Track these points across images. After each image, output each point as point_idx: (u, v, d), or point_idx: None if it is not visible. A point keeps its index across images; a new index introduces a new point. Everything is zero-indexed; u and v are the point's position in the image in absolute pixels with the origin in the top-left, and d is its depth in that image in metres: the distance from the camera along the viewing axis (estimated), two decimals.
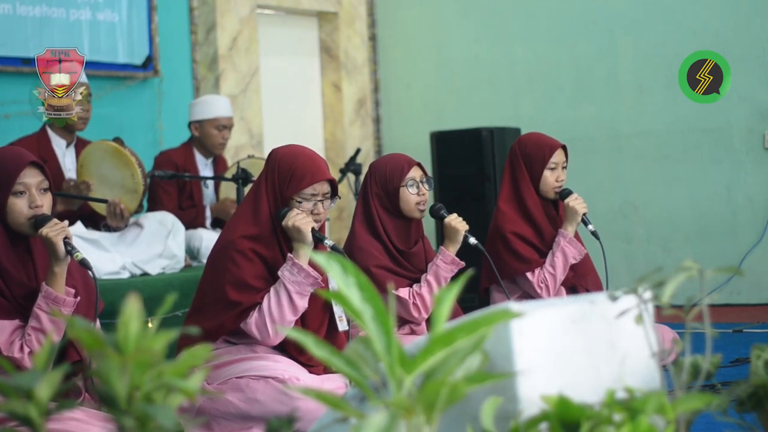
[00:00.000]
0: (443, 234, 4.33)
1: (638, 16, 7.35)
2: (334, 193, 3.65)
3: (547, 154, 4.63)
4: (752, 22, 6.97)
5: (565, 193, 4.63)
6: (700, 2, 7.12)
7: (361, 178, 6.72)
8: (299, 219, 3.52)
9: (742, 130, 6.99)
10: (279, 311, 3.49)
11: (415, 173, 4.22)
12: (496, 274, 4.44)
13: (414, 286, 4.21)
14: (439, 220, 4.35)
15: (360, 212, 4.26)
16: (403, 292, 4.16)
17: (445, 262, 4.22)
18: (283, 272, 3.50)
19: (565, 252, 4.55)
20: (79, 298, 3.20)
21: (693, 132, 7.15)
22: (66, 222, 3.20)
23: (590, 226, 4.62)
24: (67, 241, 3.15)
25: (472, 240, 4.30)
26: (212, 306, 3.54)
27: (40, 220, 3.17)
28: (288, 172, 3.58)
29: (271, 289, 3.52)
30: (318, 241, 3.60)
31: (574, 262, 4.58)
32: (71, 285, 3.20)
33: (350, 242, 4.18)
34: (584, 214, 4.60)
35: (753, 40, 6.94)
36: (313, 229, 3.54)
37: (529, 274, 4.57)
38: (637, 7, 7.36)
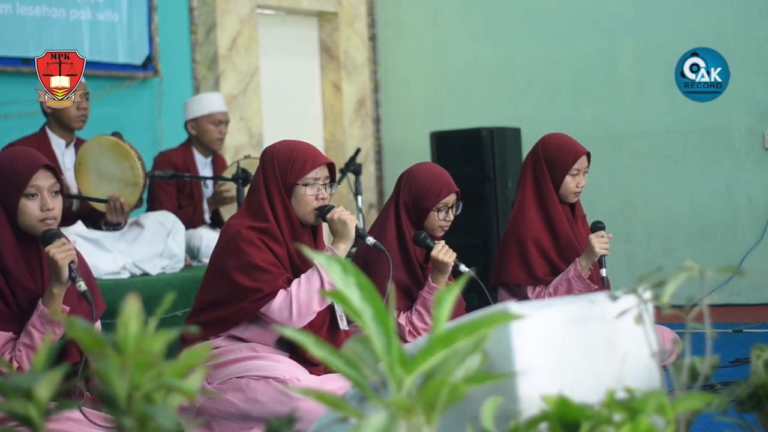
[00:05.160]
0: (431, 263, 4.10)
1: (638, 16, 7.35)
2: (333, 179, 3.69)
3: (571, 160, 4.58)
4: (752, 22, 6.97)
5: (595, 227, 4.53)
6: (700, 2, 7.11)
7: (361, 178, 6.72)
8: (346, 214, 3.59)
9: (742, 130, 6.99)
10: (308, 297, 3.49)
11: (449, 199, 4.14)
12: (483, 287, 4.34)
13: (407, 313, 4.13)
14: (426, 249, 4.12)
15: (392, 218, 4.16)
16: (401, 318, 4.13)
17: (432, 294, 4.08)
18: None
19: (571, 284, 4.46)
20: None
21: (693, 132, 7.15)
22: (73, 243, 3.17)
23: (603, 271, 4.47)
24: (72, 266, 3.11)
25: (463, 267, 4.09)
26: (226, 296, 3.53)
27: (48, 236, 3.13)
28: (288, 161, 3.61)
29: (303, 276, 3.54)
30: (360, 237, 3.68)
31: (577, 294, 4.46)
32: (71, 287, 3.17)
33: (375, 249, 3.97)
34: (602, 257, 4.46)
35: (753, 40, 6.94)
36: (356, 225, 3.60)
37: (529, 288, 4.55)
38: (637, 7, 7.36)
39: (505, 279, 4.57)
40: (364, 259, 4.08)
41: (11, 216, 3.16)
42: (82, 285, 3.11)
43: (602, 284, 4.49)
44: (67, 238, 3.28)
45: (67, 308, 3.15)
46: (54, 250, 3.09)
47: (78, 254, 3.35)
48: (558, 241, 4.56)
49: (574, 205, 4.69)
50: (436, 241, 4.09)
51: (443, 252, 4.05)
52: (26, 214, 3.15)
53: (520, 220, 4.60)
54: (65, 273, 3.09)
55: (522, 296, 4.57)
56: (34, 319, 3.09)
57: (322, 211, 3.62)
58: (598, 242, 4.46)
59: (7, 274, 3.13)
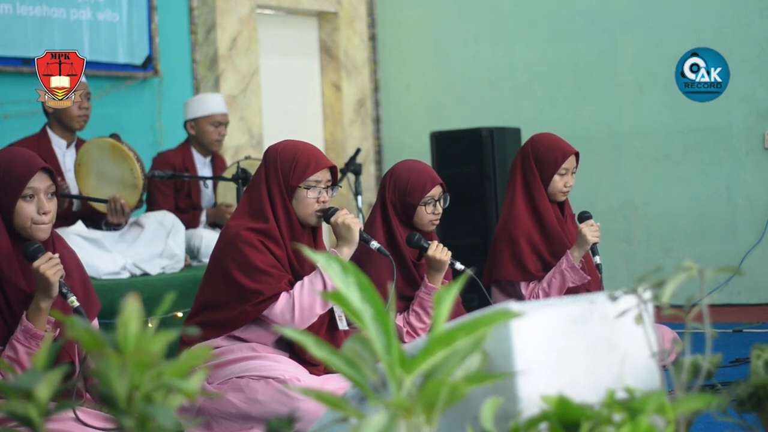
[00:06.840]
0: (427, 263, 4.10)
1: (638, 16, 7.35)
2: (334, 182, 3.69)
3: (560, 159, 4.60)
4: (752, 22, 6.97)
5: (583, 217, 4.58)
6: (700, 2, 7.11)
7: (361, 178, 6.71)
8: (350, 218, 3.59)
9: (742, 130, 6.99)
10: (310, 300, 3.48)
11: (435, 191, 4.14)
12: (481, 285, 4.36)
13: (404, 314, 4.14)
14: (421, 250, 4.11)
15: (379, 220, 4.15)
16: (398, 319, 4.13)
17: (429, 294, 4.09)
18: None
19: (565, 276, 4.48)
20: (59, 331, 3.11)
21: (693, 132, 7.14)
22: (58, 255, 3.11)
23: (597, 258, 4.55)
24: (62, 282, 3.08)
25: (459, 266, 4.12)
26: (227, 298, 3.53)
27: (32, 251, 3.09)
28: (291, 163, 3.60)
29: (306, 278, 3.53)
30: (364, 241, 3.68)
31: (572, 285, 4.50)
32: (70, 284, 3.17)
33: (368, 251, 3.95)
34: (595, 244, 4.52)
35: (753, 40, 6.94)
36: (360, 229, 3.59)
37: (522, 285, 4.56)
38: (637, 7, 7.36)
39: (498, 276, 4.58)
40: (357, 262, 4.06)
41: (7, 218, 3.15)
42: (74, 301, 3.07)
43: (598, 271, 4.55)
44: (61, 242, 3.26)
45: (53, 319, 3.10)
46: (43, 266, 3.04)
47: (72, 253, 3.34)
48: (548, 238, 4.59)
49: (562, 204, 4.71)
50: (429, 242, 4.09)
51: (439, 250, 4.05)
52: (22, 216, 3.14)
53: (510, 219, 4.62)
54: (56, 289, 3.06)
55: (515, 295, 4.58)
56: (18, 333, 3.06)
57: (326, 214, 3.62)
58: (589, 231, 4.51)
59: (1, 278, 3.10)
